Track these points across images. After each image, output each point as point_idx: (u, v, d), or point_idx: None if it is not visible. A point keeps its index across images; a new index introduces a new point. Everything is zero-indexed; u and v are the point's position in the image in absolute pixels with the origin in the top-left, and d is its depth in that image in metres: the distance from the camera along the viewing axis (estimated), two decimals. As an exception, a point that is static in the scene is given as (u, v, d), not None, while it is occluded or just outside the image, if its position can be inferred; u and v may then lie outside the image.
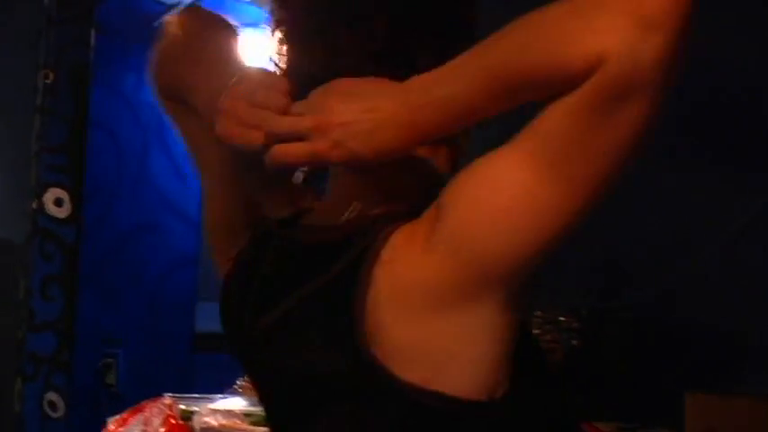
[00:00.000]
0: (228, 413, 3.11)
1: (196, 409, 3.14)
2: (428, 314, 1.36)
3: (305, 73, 1.49)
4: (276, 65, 1.55)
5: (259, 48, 1.75)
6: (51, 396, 3.77)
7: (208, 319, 4.72)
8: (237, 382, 3.43)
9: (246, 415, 3.09)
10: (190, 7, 1.80)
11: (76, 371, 3.87)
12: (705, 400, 2.94)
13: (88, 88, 3.85)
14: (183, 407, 3.14)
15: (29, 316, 3.78)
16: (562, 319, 3.21)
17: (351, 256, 1.43)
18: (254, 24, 4.10)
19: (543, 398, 1.50)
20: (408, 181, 1.51)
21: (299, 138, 1.39)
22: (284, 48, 1.55)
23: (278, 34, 1.56)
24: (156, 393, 3.20)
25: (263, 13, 3.45)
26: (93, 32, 3.86)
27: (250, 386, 3.21)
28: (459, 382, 1.35)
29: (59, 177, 3.80)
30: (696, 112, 3.14)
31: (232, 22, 1.65)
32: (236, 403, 3.24)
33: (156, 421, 3.08)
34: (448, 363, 1.36)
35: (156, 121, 4.53)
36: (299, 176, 1.55)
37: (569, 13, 1.26)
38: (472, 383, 1.36)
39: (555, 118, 1.28)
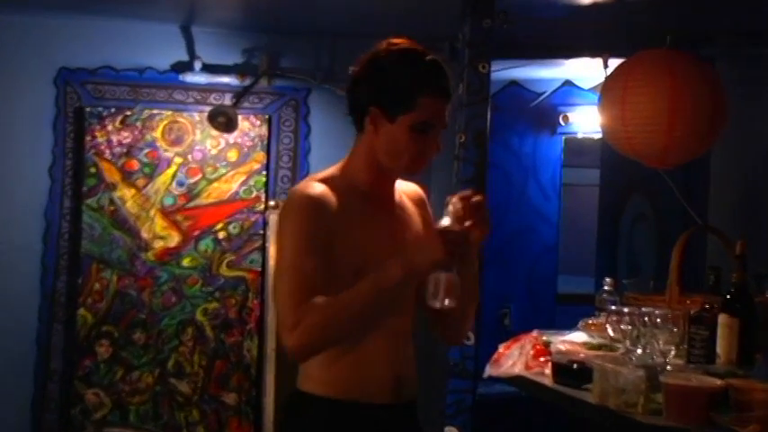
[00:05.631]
0: (572, 342, 3.29)
1: (553, 339, 3.38)
2: None
3: None
4: None
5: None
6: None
7: (565, 285, 5.60)
8: (580, 324, 3.56)
9: (584, 343, 3.27)
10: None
11: (484, 317, 4.12)
12: None
13: (486, 144, 4.03)
14: (545, 338, 3.43)
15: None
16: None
17: None
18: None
19: None
20: None
21: None
22: None
23: None
24: (531, 331, 3.54)
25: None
26: (489, 111, 4.03)
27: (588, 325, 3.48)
28: None
29: None
30: None
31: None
32: (579, 336, 3.41)
33: (528, 346, 3.45)
34: None
35: (531, 164, 5.32)
36: None
37: None
38: None
39: None
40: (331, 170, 2.46)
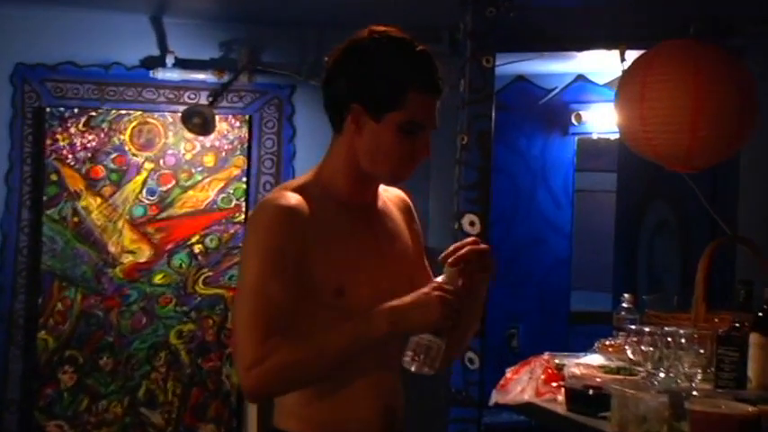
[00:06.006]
0: (588, 365, 3.33)
1: (566, 362, 3.39)
2: None
3: None
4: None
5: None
6: (470, 354, 4.11)
7: (579, 303, 5.60)
8: (596, 345, 3.61)
9: (601, 367, 3.31)
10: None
11: (489, 339, 4.20)
12: None
13: (491, 146, 4.09)
14: (557, 361, 3.45)
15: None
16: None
17: None
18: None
19: None
20: None
21: None
22: None
23: None
24: (542, 353, 3.53)
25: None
26: (493, 109, 4.10)
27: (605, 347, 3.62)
28: None
29: (472, 206, 4.11)
30: None
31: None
32: (595, 359, 3.45)
33: (539, 370, 3.44)
34: None
35: (541, 168, 5.33)
36: None
37: None
38: None
39: None
40: (305, 177, 2.41)
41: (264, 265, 2.23)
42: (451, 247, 2.30)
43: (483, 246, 2.32)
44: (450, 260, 2.28)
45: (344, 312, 2.25)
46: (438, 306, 2.19)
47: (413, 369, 2.23)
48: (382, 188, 2.45)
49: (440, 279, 2.27)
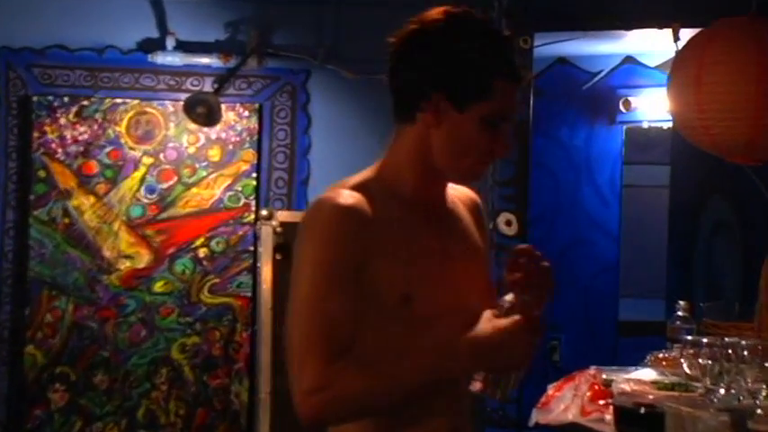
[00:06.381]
0: (639, 381, 3.34)
1: (615, 378, 3.41)
2: None
3: None
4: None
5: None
6: (509, 370, 4.37)
7: (628, 311, 5.56)
8: (648, 358, 3.64)
9: (654, 383, 3.32)
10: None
11: None
12: None
13: (529, 137, 4.23)
14: (604, 376, 3.47)
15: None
16: None
17: None
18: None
19: None
20: None
21: None
22: None
23: None
24: (587, 368, 3.56)
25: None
26: (531, 96, 4.23)
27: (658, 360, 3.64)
28: None
29: (509, 204, 4.24)
30: None
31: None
32: (647, 374, 3.48)
33: (584, 387, 3.47)
34: None
35: (585, 161, 5.34)
36: None
37: None
38: None
39: None
40: (365, 174, 2.39)
41: (321, 275, 2.23)
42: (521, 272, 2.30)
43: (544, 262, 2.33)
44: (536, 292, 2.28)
45: (412, 322, 2.26)
46: (524, 347, 2.20)
47: (475, 388, 2.26)
48: (450, 186, 2.45)
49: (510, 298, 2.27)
